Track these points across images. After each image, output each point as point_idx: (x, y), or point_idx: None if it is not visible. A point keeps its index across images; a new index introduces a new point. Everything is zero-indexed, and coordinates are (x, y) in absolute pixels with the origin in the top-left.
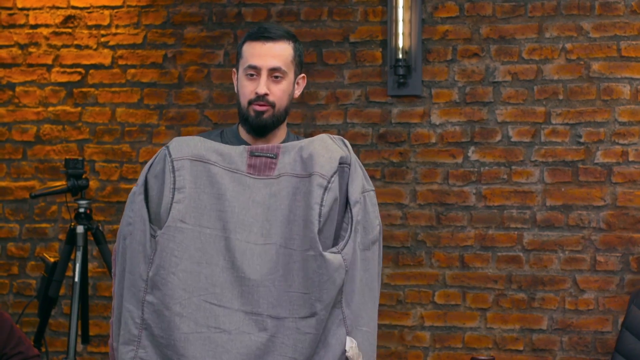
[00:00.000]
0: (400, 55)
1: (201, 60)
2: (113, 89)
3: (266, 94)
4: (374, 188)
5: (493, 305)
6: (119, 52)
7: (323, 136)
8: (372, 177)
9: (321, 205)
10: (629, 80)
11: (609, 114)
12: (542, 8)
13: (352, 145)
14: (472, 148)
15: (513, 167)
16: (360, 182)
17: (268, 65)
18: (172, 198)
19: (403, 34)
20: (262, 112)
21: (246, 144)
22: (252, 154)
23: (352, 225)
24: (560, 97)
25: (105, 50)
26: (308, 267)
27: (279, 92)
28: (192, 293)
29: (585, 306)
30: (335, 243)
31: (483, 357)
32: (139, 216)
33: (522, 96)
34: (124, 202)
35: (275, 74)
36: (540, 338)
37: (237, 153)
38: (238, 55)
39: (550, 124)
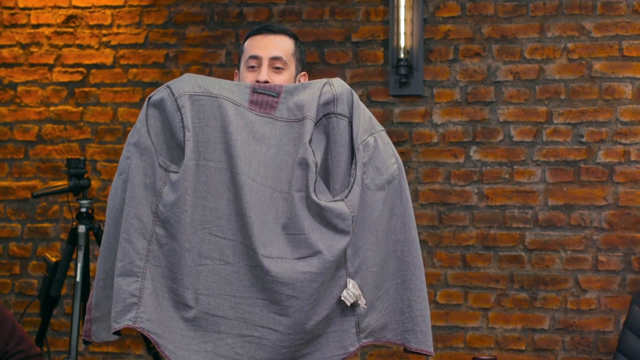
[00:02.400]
0: (402, 55)
1: (203, 59)
2: (115, 89)
3: (267, 82)
4: (383, 128)
5: (495, 305)
6: (121, 51)
7: (318, 82)
8: None
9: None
10: (630, 80)
11: (610, 114)
12: (544, 8)
13: None
14: (474, 148)
15: (515, 167)
16: (363, 124)
17: (269, 54)
18: (184, 136)
19: (405, 33)
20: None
21: None
22: (254, 91)
23: (357, 168)
24: (562, 96)
25: (107, 50)
26: (307, 209)
27: (279, 82)
28: (198, 226)
29: (587, 306)
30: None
31: (485, 357)
32: (144, 147)
33: (524, 96)
34: None
35: (276, 64)
36: (542, 338)
37: (240, 88)
38: (240, 55)
39: (552, 123)
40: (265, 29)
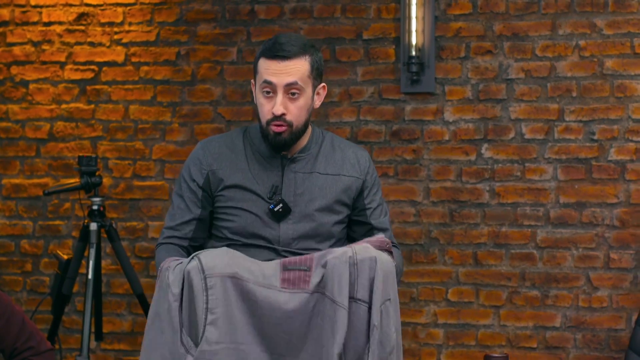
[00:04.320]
0: (414, 53)
1: (214, 57)
2: (126, 86)
3: (283, 114)
4: (390, 297)
5: (506, 303)
6: (132, 49)
7: (343, 256)
8: (385, 175)
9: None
10: None
11: (622, 111)
12: (556, 5)
13: (365, 143)
14: (486, 145)
15: (526, 164)
16: (379, 298)
17: (283, 82)
18: (205, 319)
19: (416, 31)
20: (280, 133)
21: (266, 148)
22: (285, 269)
23: (369, 350)
24: (574, 94)
25: (119, 48)
26: None
27: (296, 110)
28: None
29: (599, 303)
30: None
31: (496, 355)
32: (170, 325)
33: (536, 93)
34: (138, 199)
35: (291, 90)
36: (554, 335)
37: (270, 268)
38: (254, 68)
39: (564, 121)
40: (280, 55)
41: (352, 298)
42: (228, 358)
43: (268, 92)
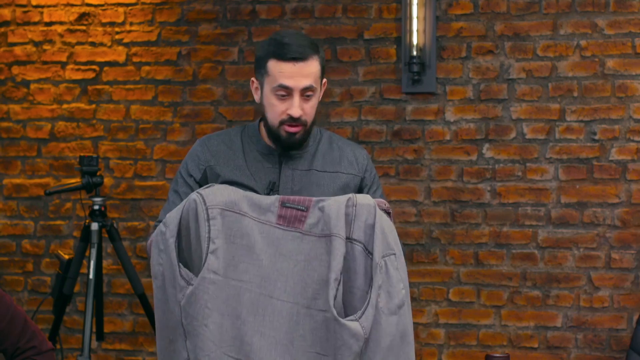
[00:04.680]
0: (415, 53)
1: (215, 57)
2: (127, 86)
3: (300, 117)
4: (395, 252)
5: (507, 303)
6: (133, 49)
7: (343, 197)
8: (387, 175)
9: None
10: None
11: (623, 111)
12: (557, 5)
13: (367, 143)
14: (487, 145)
15: (527, 164)
16: (378, 246)
17: (301, 86)
18: (208, 247)
19: (417, 31)
20: (295, 133)
21: (268, 146)
22: (283, 205)
23: (371, 290)
24: (575, 94)
25: (120, 48)
26: (326, 328)
27: (310, 110)
28: (219, 345)
29: (600, 303)
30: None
31: (498, 355)
32: (168, 261)
33: (537, 93)
34: (139, 200)
35: (307, 92)
36: (555, 335)
37: (269, 203)
38: (260, 68)
39: (565, 121)
40: (294, 56)
41: (348, 238)
42: (223, 291)
43: (283, 95)
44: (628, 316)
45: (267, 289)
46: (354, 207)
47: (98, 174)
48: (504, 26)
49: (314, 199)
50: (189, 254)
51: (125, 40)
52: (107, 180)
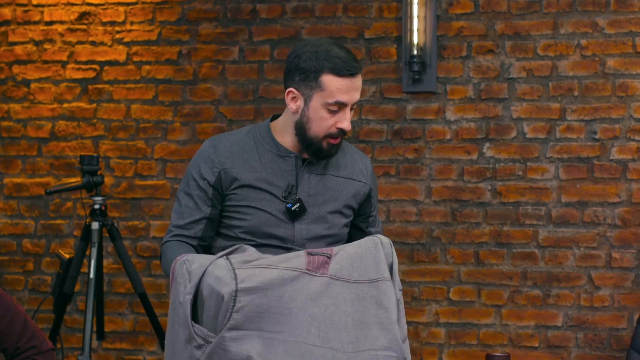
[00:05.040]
0: (415, 52)
1: (216, 56)
2: (128, 86)
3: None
4: (400, 288)
5: (508, 302)
6: (134, 48)
7: (368, 242)
8: (387, 174)
9: (397, 306)
10: None
11: (624, 110)
12: (557, 4)
13: (367, 142)
14: (487, 144)
15: (528, 164)
16: (397, 280)
17: (354, 101)
18: (233, 307)
19: (418, 30)
20: (336, 145)
21: (285, 148)
22: (309, 254)
23: (400, 323)
24: (576, 93)
25: (120, 47)
26: None
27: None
28: None
29: (601, 303)
30: None
31: (498, 354)
32: (184, 314)
33: (537, 92)
34: (139, 199)
35: (354, 105)
36: (556, 335)
37: (295, 255)
38: (309, 80)
39: (566, 120)
40: (352, 73)
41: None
42: (253, 346)
43: (335, 110)
44: (628, 315)
45: (303, 336)
46: (382, 247)
47: (98, 173)
48: (504, 25)
49: (335, 248)
50: (208, 315)
51: (126, 40)
52: (108, 180)
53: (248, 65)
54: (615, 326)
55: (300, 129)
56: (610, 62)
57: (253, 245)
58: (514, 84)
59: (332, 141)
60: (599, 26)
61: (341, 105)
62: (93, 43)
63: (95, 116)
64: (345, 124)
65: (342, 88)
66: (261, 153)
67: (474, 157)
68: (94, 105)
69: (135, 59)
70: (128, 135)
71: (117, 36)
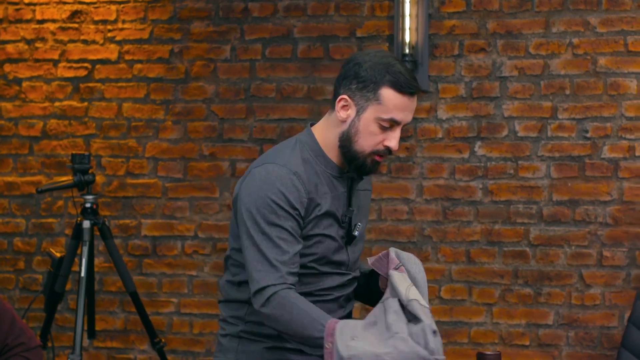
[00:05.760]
0: (407, 50)
1: (208, 55)
2: (119, 84)
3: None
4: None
5: (499, 300)
6: (126, 47)
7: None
8: (379, 172)
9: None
10: (635, 75)
11: (615, 109)
12: (549, 3)
13: None
14: (479, 143)
15: (519, 162)
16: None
17: (407, 121)
18: None
19: (410, 28)
20: (380, 162)
21: (338, 167)
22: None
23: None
24: (567, 92)
25: (112, 46)
26: None
27: None
28: None
29: (592, 301)
30: None
31: (489, 353)
32: None
33: (529, 91)
34: (130, 197)
35: (405, 126)
36: (547, 333)
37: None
38: (368, 91)
39: (557, 118)
40: (413, 92)
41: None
42: None
43: (386, 127)
44: (619, 314)
45: None
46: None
47: (90, 171)
48: (496, 24)
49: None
50: None
51: (118, 38)
52: (99, 178)
53: (240, 64)
54: (606, 325)
55: (346, 140)
56: (602, 60)
57: (315, 274)
58: (506, 82)
59: (377, 158)
60: (590, 25)
61: (393, 123)
62: (85, 42)
63: (87, 115)
64: (394, 143)
65: (399, 105)
66: (321, 174)
67: (466, 155)
68: (86, 103)
69: (127, 57)
70: (119, 133)
71: (109, 35)
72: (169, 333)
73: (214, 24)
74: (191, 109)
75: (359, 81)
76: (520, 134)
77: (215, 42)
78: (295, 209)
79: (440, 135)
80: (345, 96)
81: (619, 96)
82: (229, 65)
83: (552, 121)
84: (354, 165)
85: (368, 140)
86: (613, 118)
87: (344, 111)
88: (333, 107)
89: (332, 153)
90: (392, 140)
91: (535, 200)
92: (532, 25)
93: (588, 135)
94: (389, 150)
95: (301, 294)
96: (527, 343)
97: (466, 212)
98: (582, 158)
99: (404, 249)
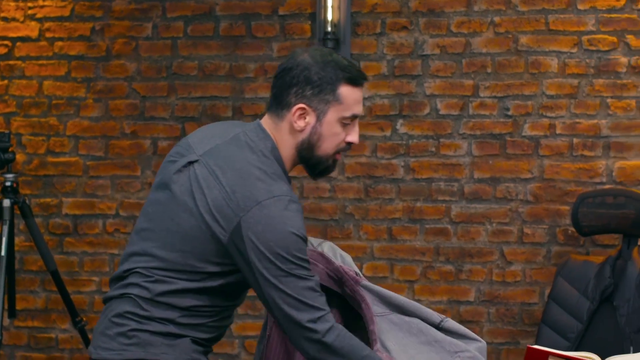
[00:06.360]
0: (329, 28)
1: (129, 33)
2: (40, 62)
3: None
4: None
5: (421, 278)
6: (47, 24)
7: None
8: None
9: None
10: (556, 53)
11: (536, 87)
12: None
13: None
14: (401, 121)
15: (441, 140)
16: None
17: (362, 112)
18: None
19: (332, 7)
20: (337, 160)
21: (287, 174)
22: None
23: None
24: (489, 70)
25: (33, 23)
26: None
27: None
28: None
29: (513, 278)
30: None
31: None
32: None
33: (451, 69)
34: (51, 176)
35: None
36: (468, 310)
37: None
38: (325, 94)
39: (479, 97)
40: (365, 80)
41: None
42: None
43: (347, 124)
44: (540, 290)
45: None
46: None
47: (10, 150)
48: (418, 2)
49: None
50: None
51: (38, 16)
52: (19, 157)
53: (161, 42)
54: (527, 301)
55: (307, 148)
56: (523, 39)
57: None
58: (428, 60)
59: (338, 157)
60: (512, 3)
61: (354, 118)
62: (5, 19)
63: (7, 92)
64: (356, 137)
65: (357, 99)
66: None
67: (388, 133)
68: (6, 81)
69: (48, 35)
70: (40, 112)
71: (30, 12)
72: (91, 312)
73: (135, 2)
74: (112, 87)
75: (313, 86)
76: (442, 112)
77: (137, 19)
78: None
79: (362, 113)
80: (302, 105)
81: (540, 74)
82: (151, 43)
83: (474, 99)
84: (318, 170)
85: (332, 142)
86: (534, 96)
87: (301, 120)
88: (278, 116)
89: (287, 162)
90: (354, 134)
91: (456, 178)
92: (453, 4)
93: (509, 113)
94: (349, 145)
95: (231, 305)
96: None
97: (388, 190)
98: (503, 136)
99: (326, 227)
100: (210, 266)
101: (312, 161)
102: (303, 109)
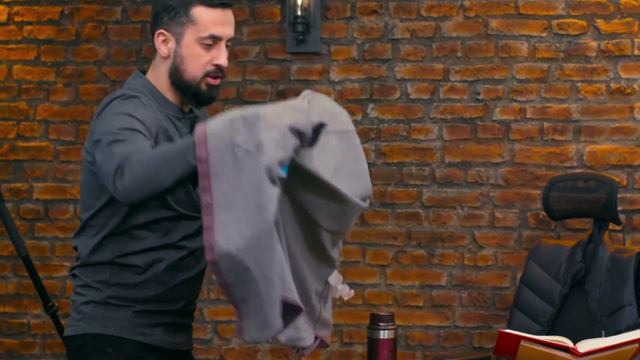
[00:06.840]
0: (299, 12)
1: (99, 16)
2: (9, 46)
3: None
4: None
5: (392, 262)
6: (15, 8)
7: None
8: None
9: None
10: (526, 37)
11: (507, 72)
12: None
13: (251, 103)
14: (371, 105)
15: (412, 124)
16: None
17: (228, 35)
18: None
19: None
20: (217, 85)
21: (179, 108)
22: None
23: None
24: (459, 54)
25: (1, 7)
26: None
27: (226, 60)
28: None
29: (484, 262)
30: None
31: (383, 314)
32: None
33: (421, 53)
34: (22, 161)
35: (228, 43)
36: (440, 294)
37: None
38: (178, 17)
39: (449, 81)
40: (224, 3)
41: None
42: None
43: (209, 45)
44: (512, 275)
45: None
46: None
47: None
48: None
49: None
50: None
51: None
52: None
53: (131, 26)
54: (499, 285)
55: (176, 73)
56: (493, 23)
57: (173, 218)
58: (398, 44)
59: (211, 81)
60: None
61: (215, 40)
62: None
63: None
64: (222, 60)
65: (214, 20)
66: (164, 119)
67: (358, 117)
68: None
69: (17, 19)
70: (9, 96)
71: None
72: (62, 297)
73: None
74: (82, 71)
75: (168, 11)
76: (413, 96)
77: (106, 3)
78: (145, 125)
79: (332, 97)
80: (161, 30)
81: (510, 59)
82: (120, 27)
83: (444, 83)
84: (191, 94)
85: (196, 64)
86: (504, 80)
87: (164, 46)
88: (154, 52)
89: (169, 94)
90: (221, 57)
91: (427, 162)
92: None
93: (480, 97)
94: (219, 68)
95: (161, 246)
96: (421, 304)
97: None
98: (474, 120)
99: None
100: (102, 198)
101: (183, 86)
102: (163, 34)
